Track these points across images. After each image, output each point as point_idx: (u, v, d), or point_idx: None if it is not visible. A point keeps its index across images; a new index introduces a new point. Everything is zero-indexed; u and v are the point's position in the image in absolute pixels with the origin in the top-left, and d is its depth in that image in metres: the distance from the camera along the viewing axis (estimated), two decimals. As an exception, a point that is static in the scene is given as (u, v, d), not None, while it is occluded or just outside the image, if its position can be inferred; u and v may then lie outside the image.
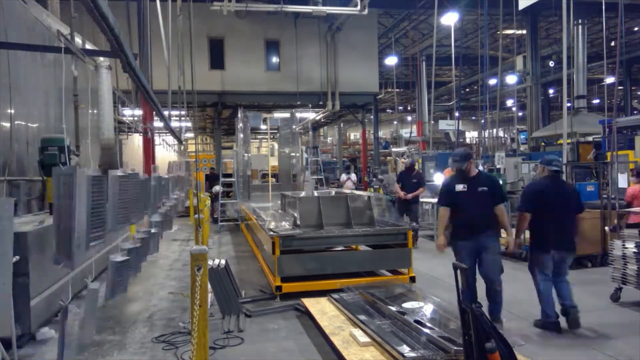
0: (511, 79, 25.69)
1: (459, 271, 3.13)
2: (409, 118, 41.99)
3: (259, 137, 26.49)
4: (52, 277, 5.46)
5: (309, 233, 6.69)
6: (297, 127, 16.23)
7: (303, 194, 9.39)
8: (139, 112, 12.82)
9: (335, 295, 5.78)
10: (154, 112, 10.21)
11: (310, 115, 22.38)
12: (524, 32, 23.24)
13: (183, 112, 14.00)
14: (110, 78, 7.69)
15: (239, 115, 14.44)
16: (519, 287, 6.95)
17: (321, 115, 23.06)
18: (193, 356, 3.41)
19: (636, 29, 25.29)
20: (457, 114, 22.77)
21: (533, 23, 22.30)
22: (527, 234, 8.69)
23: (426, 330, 4.27)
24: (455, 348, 3.79)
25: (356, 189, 15.68)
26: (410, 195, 10.71)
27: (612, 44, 22.36)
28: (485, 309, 3.11)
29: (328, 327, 4.92)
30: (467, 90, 35.12)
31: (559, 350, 4.69)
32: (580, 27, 19.13)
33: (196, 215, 7.25)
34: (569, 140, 13.68)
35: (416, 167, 11.96)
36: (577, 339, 4.90)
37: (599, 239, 8.03)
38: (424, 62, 27.11)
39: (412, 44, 25.72)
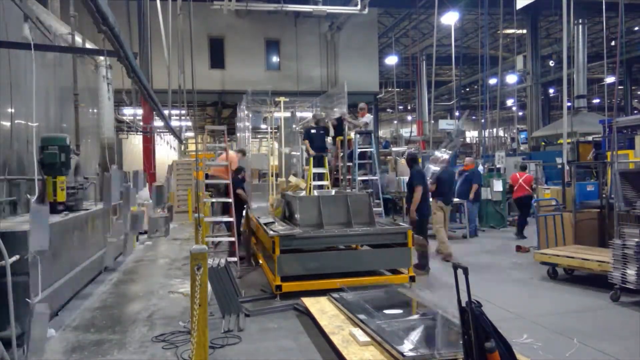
0: (511, 79, 25.73)
1: (458, 271, 3.13)
2: (409, 117, 41.98)
3: (259, 136, 26.48)
4: (52, 276, 5.46)
5: (308, 232, 6.69)
6: (297, 127, 16.19)
7: (303, 193, 9.38)
8: (139, 111, 12.83)
9: (335, 295, 5.78)
10: (154, 112, 10.22)
11: (311, 114, 22.35)
12: (524, 31, 23.25)
13: (183, 112, 13.99)
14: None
15: (243, 105, 13.99)
16: (517, 286, 6.97)
17: (321, 114, 23.02)
18: (193, 355, 3.41)
19: (636, 28, 25.29)
20: (457, 114, 22.78)
21: (533, 22, 22.30)
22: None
23: (425, 330, 4.27)
24: (455, 348, 3.80)
25: None
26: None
27: (613, 43, 22.36)
28: (485, 308, 3.10)
29: (328, 326, 4.91)
30: (468, 89, 35.11)
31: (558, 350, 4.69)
32: (580, 26, 19.15)
33: (196, 214, 7.24)
34: (569, 140, 13.69)
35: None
36: (576, 339, 4.90)
37: (598, 238, 8.00)
38: (424, 62, 27.11)
39: (412, 44, 25.72)
